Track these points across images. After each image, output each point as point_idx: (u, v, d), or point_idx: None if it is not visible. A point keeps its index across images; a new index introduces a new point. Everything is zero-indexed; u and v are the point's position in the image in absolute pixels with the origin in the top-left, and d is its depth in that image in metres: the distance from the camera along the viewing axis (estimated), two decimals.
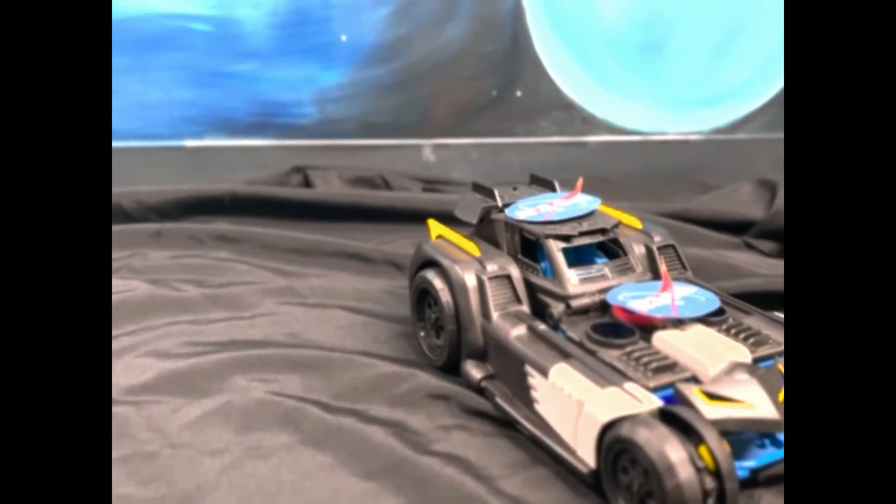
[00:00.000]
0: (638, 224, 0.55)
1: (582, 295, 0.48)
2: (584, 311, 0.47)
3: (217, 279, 0.70)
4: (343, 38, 0.94)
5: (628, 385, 0.40)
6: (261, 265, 0.73)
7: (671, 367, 0.42)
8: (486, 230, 0.55)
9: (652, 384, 0.40)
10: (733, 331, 0.45)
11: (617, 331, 0.45)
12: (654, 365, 0.41)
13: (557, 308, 0.48)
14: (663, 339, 0.44)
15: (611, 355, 0.43)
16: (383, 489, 0.41)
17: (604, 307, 0.48)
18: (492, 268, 0.50)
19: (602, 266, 0.50)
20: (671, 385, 0.40)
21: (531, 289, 0.50)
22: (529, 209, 0.53)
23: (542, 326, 0.47)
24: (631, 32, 0.96)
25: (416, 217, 0.82)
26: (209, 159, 0.96)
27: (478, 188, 0.58)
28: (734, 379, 0.40)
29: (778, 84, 1.00)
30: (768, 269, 0.68)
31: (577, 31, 0.96)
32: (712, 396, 0.39)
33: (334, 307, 0.64)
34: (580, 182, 0.55)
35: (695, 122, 1.01)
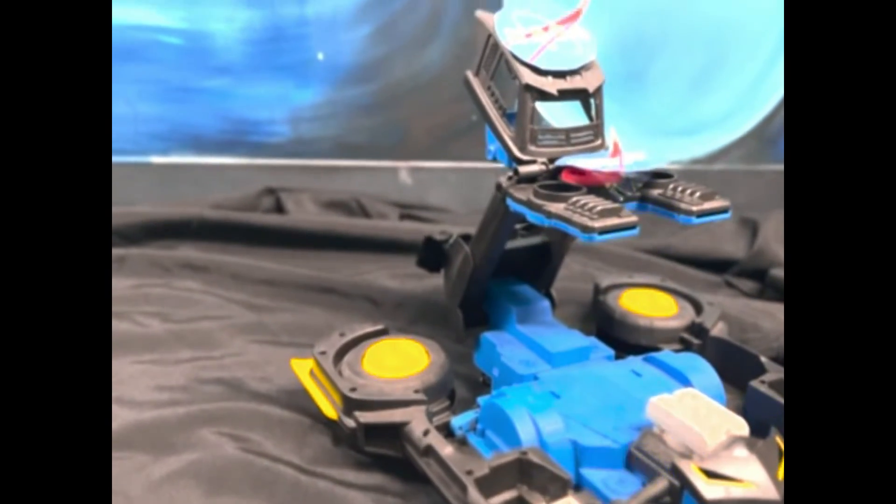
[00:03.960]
0: None
1: (533, 161, 0.46)
2: (531, 179, 0.46)
3: (184, 312, 0.67)
4: (320, 56, 0.91)
5: None
6: (230, 297, 0.70)
7: (616, 211, 0.41)
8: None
9: (597, 225, 0.40)
10: (680, 188, 0.46)
11: (565, 190, 0.44)
12: (599, 209, 0.40)
13: (505, 178, 0.46)
14: (657, 407, 0.42)
15: (556, 208, 0.42)
16: None
17: (553, 175, 0.46)
18: None
19: (566, 130, 0.47)
20: (615, 229, 0.40)
21: (485, 116, 0.47)
22: (520, 29, 0.47)
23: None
24: (612, 60, 0.95)
25: (392, 247, 0.80)
26: (176, 176, 0.93)
27: None
28: (733, 455, 0.38)
29: (757, 116, 0.99)
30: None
31: None
32: (711, 475, 0.37)
33: (307, 347, 0.61)
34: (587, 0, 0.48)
35: (674, 152, 1.00)
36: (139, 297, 0.69)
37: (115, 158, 0.90)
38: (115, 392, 0.53)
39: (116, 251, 0.76)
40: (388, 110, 0.94)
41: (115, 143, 0.91)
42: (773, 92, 1.01)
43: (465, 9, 0.91)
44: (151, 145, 0.92)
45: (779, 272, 0.74)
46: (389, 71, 0.92)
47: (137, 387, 0.54)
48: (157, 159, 0.93)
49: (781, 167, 1.00)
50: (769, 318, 0.67)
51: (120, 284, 0.71)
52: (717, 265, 0.79)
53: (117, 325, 0.63)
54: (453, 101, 0.94)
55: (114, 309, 0.66)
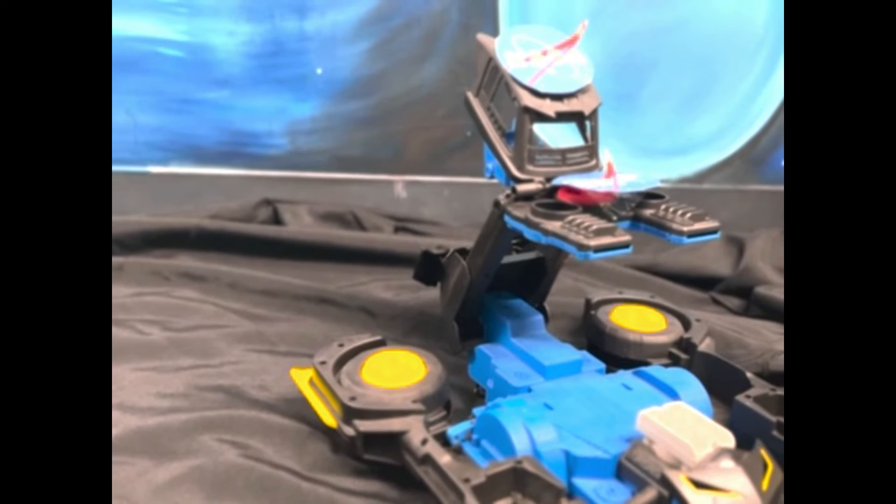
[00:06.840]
0: None
1: (530, 180, 0.47)
2: (529, 197, 0.47)
3: (183, 321, 0.68)
4: (319, 70, 0.93)
5: None
6: (228, 307, 0.71)
7: (611, 230, 0.42)
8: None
9: (593, 243, 0.41)
10: (672, 209, 0.47)
11: (561, 209, 0.45)
12: (594, 227, 0.42)
13: (503, 196, 0.48)
14: (647, 419, 0.44)
15: (553, 226, 0.43)
16: None
17: (549, 193, 0.48)
18: None
19: (562, 150, 0.49)
20: (610, 247, 0.41)
21: (485, 135, 0.49)
22: (520, 53, 0.49)
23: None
24: (605, 80, 0.97)
25: (387, 259, 0.81)
26: (174, 186, 0.94)
27: None
28: (720, 467, 0.40)
29: (744, 137, 1.02)
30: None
31: None
32: (699, 485, 0.39)
33: (305, 356, 0.63)
34: (584, 25, 0.49)
35: (663, 171, 1.02)
36: (139, 305, 0.70)
37: (114, 168, 0.91)
38: (117, 398, 0.54)
39: (115, 259, 0.77)
40: (385, 125, 0.95)
41: (115, 153, 0.92)
42: (760, 113, 1.04)
43: (461, 28, 0.93)
44: (150, 155, 0.93)
45: (764, 290, 0.76)
46: (386, 86, 0.94)
47: (138, 393, 0.55)
48: (155, 169, 0.94)
49: (768, 187, 1.03)
50: (754, 334, 0.69)
51: (119, 292, 0.72)
52: (704, 282, 0.81)
53: (118, 333, 0.64)
54: (448, 117, 0.96)
55: (114, 316, 0.67)
